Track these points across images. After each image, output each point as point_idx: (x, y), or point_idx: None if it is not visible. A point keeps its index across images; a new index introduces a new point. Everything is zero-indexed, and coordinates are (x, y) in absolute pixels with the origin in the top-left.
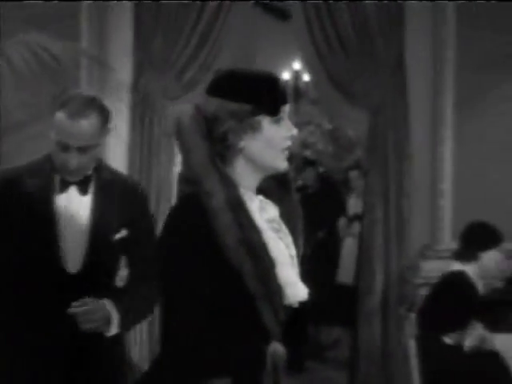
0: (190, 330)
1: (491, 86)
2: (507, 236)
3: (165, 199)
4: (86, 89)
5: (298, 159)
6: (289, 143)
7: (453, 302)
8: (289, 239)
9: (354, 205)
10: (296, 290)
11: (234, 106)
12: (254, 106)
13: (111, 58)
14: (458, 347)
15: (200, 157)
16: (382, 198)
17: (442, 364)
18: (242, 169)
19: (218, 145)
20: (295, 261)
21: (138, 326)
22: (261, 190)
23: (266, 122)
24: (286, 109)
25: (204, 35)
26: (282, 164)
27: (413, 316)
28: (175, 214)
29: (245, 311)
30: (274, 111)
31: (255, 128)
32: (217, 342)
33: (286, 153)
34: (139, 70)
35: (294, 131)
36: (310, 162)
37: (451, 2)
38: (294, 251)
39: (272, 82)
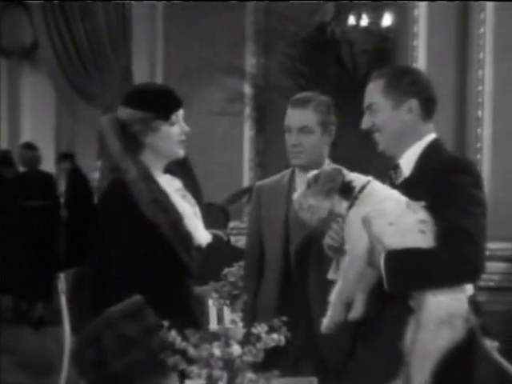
0: (127, 266)
1: (194, 91)
2: None
3: None
4: None
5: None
6: (183, 138)
7: None
8: (192, 201)
9: None
10: (201, 235)
11: (139, 114)
12: (153, 113)
13: None
14: None
15: (115, 148)
16: None
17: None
18: (150, 157)
19: (130, 141)
20: (199, 215)
21: None
22: (169, 171)
23: (163, 124)
24: (180, 112)
25: None
26: (178, 152)
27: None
28: (106, 193)
29: (165, 251)
30: (166, 117)
31: (155, 129)
32: (147, 275)
33: (182, 144)
34: None
35: (187, 129)
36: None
37: (162, 18)
38: (197, 209)
39: (166, 94)
